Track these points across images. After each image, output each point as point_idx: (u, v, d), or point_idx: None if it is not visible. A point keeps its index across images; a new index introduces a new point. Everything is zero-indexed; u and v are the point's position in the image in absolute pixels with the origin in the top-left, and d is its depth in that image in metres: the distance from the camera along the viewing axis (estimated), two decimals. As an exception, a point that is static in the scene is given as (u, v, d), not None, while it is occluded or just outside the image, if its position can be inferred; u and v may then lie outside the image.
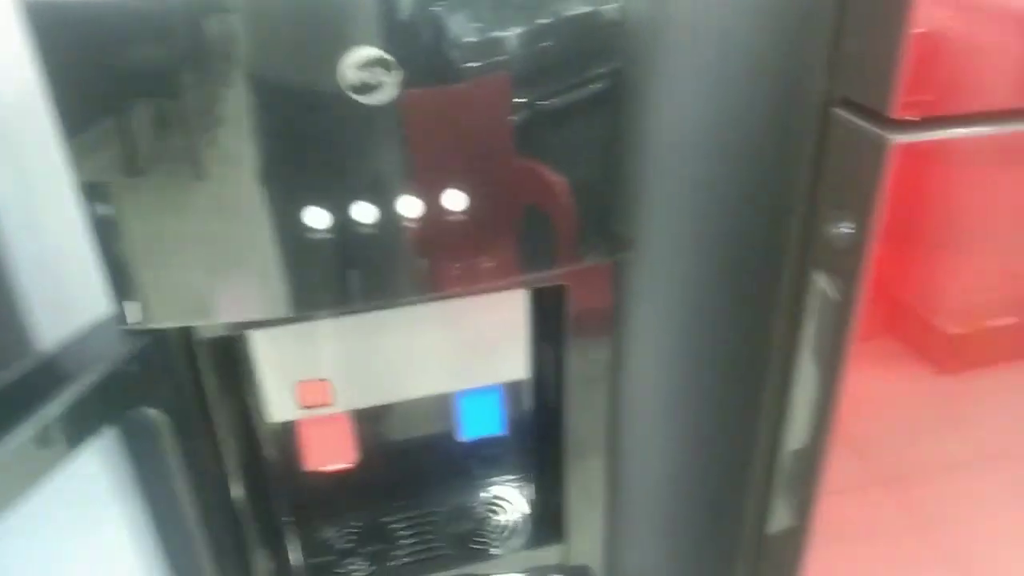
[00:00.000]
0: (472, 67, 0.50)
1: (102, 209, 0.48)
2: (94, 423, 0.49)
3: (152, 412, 0.53)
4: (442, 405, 0.76)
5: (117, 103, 0.46)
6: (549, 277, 0.60)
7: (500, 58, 0.50)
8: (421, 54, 0.48)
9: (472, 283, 0.57)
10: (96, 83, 0.45)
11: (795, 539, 0.73)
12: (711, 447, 0.83)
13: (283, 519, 0.77)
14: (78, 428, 0.47)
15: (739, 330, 0.76)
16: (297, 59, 0.46)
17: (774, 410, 0.74)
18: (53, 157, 0.48)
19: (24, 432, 0.44)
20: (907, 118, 0.53)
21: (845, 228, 0.59)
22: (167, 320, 0.51)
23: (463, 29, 0.48)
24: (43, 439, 0.45)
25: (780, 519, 0.76)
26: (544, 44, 0.51)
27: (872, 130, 0.55)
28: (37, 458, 0.46)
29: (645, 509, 0.82)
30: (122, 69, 0.45)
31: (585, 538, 0.77)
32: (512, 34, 0.50)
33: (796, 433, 0.71)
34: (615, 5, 0.51)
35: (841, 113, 0.58)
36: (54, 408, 0.45)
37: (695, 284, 0.71)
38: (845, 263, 0.60)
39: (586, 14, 0.51)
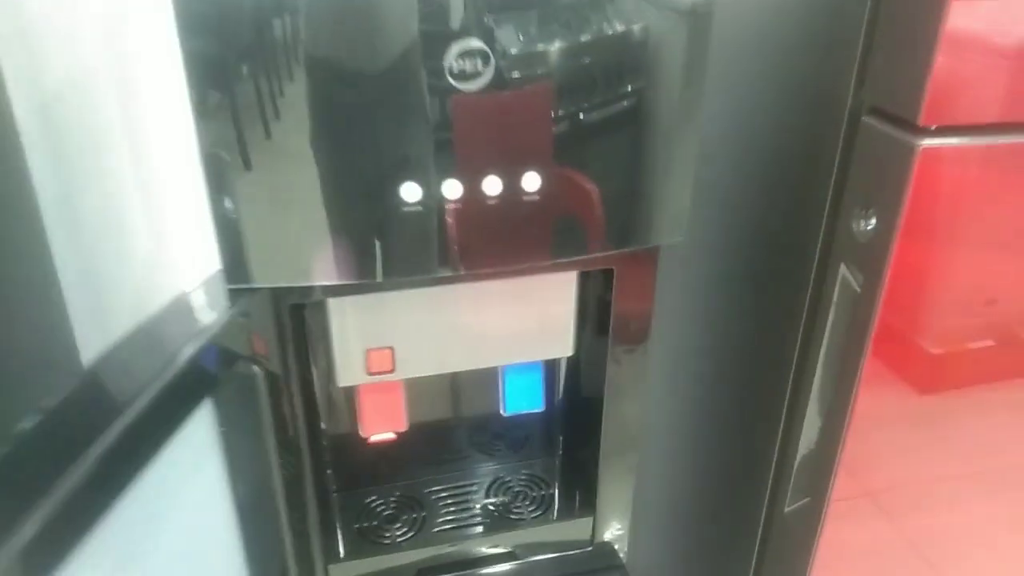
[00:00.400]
0: (545, 70, 0.56)
1: (220, 177, 0.53)
2: (213, 375, 0.53)
3: (255, 367, 0.59)
4: (483, 382, 0.82)
5: (242, 82, 0.51)
6: (599, 260, 0.66)
7: (570, 64, 0.56)
8: (514, 50, 0.54)
9: (530, 260, 0.62)
10: (225, 57, 0.51)
11: (810, 516, 0.79)
12: (735, 429, 0.88)
13: (332, 484, 0.81)
14: (202, 380, 0.52)
15: (764, 321, 0.82)
16: (403, 47, 0.52)
17: (793, 396, 0.80)
18: (98, 149, 0.50)
19: (160, 383, 0.48)
20: (934, 125, 0.60)
21: (870, 224, 0.66)
22: (272, 280, 0.57)
23: (546, 35, 0.54)
24: (176, 389, 0.49)
25: (797, 498, 0.81)
26: (604, 56, 0.57)
27: (901, 136, 0.61)
28: (172, 410, 0.50)
29: (670, 487, 0.87)
30: (249, 47, 0.51)
31: (614, 514, 0.81)
32: (582, 44, 0.56)
33: (814, 417, 0.77)
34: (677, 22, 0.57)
35: (871, 121, 0.65)
36: (184, 357, 0.49)
37: (727, 275, 0.77)
38: (869, 257, 0.66)
39: (644, 30, 0.57)
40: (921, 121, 0.60)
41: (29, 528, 0.37)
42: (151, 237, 0.57)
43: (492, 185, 0.58)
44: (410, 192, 0.56)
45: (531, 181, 0.58)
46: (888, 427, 0.78)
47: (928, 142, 0.60)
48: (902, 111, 0.61)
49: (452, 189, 0.57)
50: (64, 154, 0.48)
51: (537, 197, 0.59)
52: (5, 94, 0.43)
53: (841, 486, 0.77)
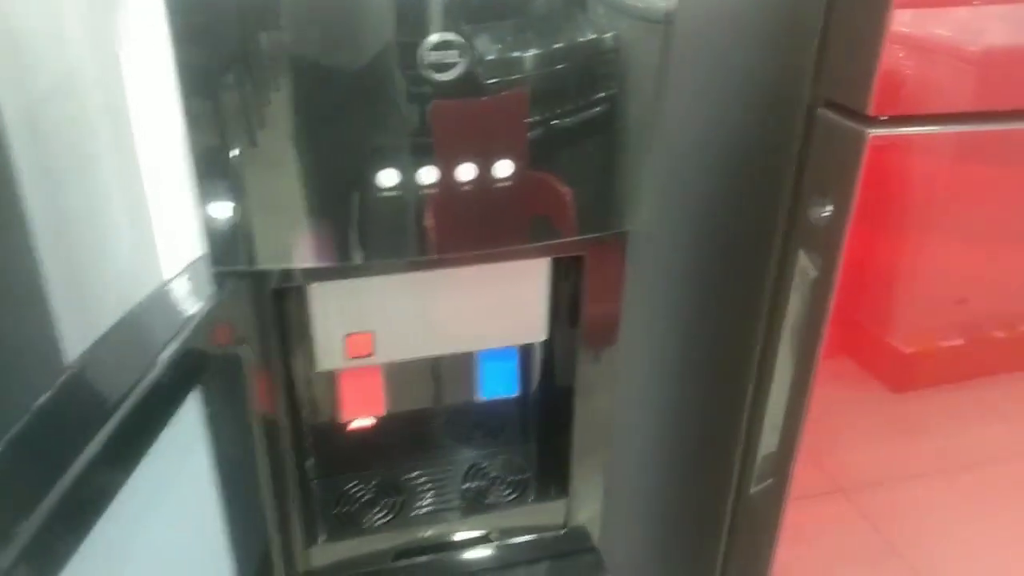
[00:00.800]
0: (517, 66, 0.59)
1: (206, 164, 0.56)
2: (202, 360, 0.55)
3: (242, 350, 0.61)
4: (461, 371, 0.84)
5: (227, 76, 0.54)
6: (569, 246, 0.69)
7: (540, 61, 0.59)
8: (487, 46, 0.57)
9: (504, 245, 0.65)
10: (211, 52, 0.53)
11: (774, 495, 0.82)
12: (704, 414, 0.91)
13: (312, 470, 0.83)
14: (191, 366, 0.53)
15: (729, 306, 0.85)
16: (381, 38, 0.55)
17: (758, 379, 0.83)
18: (84, 147, 0.51)
19: (152, 375, 0.49)
20: (881, 116, 0.64)
21: (825, 211, 0.69)
22: (257, 263, 0.59)
23: (519, 34, 0.58)
24: (166, 379, 0.50)
25: (762, 480, 0.84)
26: (573, 55, 0.60)
27: (852, 126, 0.65)
28: (163, 399, 0.51)
29: (640, 470, 0.90)
30: (233, 42, 0.53)
31: (586, 498, 0.84)
32: (552, 43, 0.59)
33: (778, 398, 0.80)
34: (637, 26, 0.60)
35: (825, 112, 0.69)
36: (173, 344, 0.51)
37: (695, 264, 0.80)
38: (825, 242, 0.70)
39: (605, 38, 0.60)
40: (871, 111, 0.63)
41: (25, 533, 0.37)
42: (135, 229, 0.59)
43: (465, 173, 0.61)
44: (389, 179, 0.59)
45: (502, 169, 0.61)
46: (860, 423, 0.81)
47: (877, 131, 0.64)
48: (853, 102, 0.65)
49: (428, 176, 0.60)
50: (50, 154, 0.49)
51: (508, 184, 0.62)
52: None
53: (812, 479, 0.80)
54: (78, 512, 0.43)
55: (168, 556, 0.61)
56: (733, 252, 0.82)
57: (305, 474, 0.81)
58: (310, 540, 0.78)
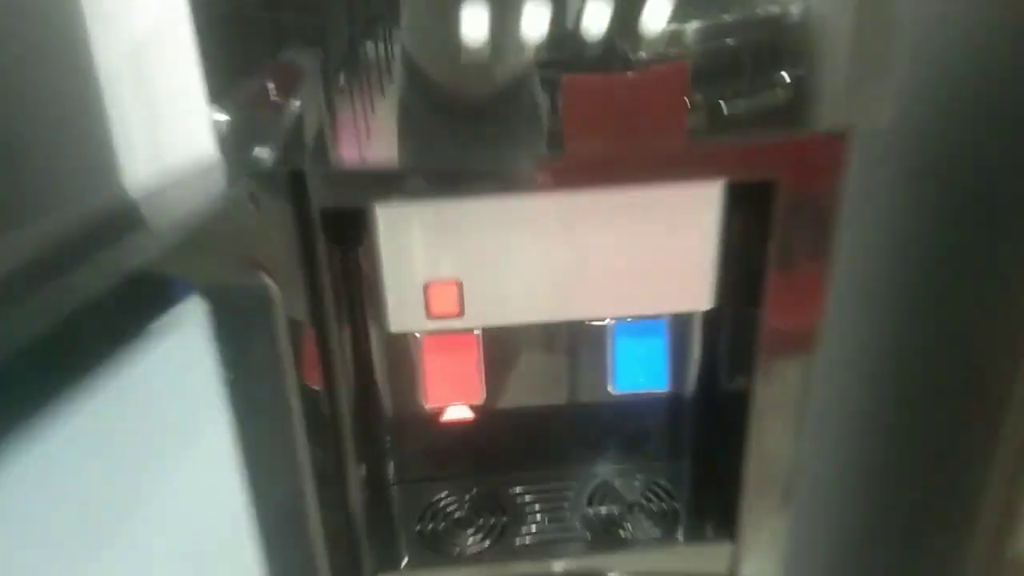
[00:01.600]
0: None
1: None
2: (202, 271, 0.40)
3: (265, 278, 0.44)
4: (588, 349, 0.66)
5: None
6: (757, 157, 0.47)
7: None
8: None
9: (665, 139, 0.44)
10: None
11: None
12: (935, 443, 0.67)
13: (389, 472, 0.68)
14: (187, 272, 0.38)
15: (991, 292, 0.60)
16: None
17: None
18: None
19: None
20: None
21: None
22: (285, 162, 0.42)
23: None
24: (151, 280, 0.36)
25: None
26: None
27: None
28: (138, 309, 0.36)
29: (841, 514, 0.67)
30: None
31: (761, 542, 0.63)
32: None
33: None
34: None
35: None
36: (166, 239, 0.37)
37: (936, 220, 0.56)
38: None
39: None
40: None
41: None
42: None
43: (608, 43, 0.41)
44: (487, 41, 0.40)
45: (656, 41, 0.41)
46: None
47: None
48: None
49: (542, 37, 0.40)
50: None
51: (662, 61, 0.41)
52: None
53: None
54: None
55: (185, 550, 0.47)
56: (999, 207, 0.56)
57: (381, 478, 0.67)
58: (388, 562, 0.62)
